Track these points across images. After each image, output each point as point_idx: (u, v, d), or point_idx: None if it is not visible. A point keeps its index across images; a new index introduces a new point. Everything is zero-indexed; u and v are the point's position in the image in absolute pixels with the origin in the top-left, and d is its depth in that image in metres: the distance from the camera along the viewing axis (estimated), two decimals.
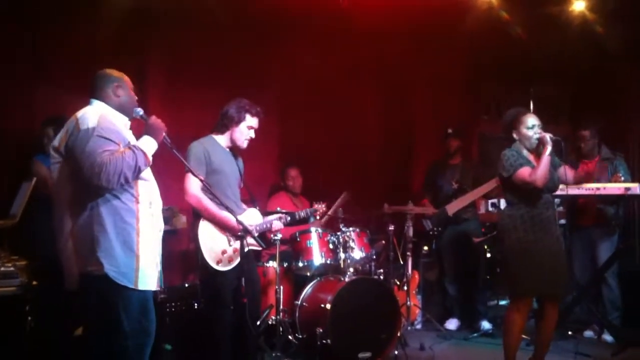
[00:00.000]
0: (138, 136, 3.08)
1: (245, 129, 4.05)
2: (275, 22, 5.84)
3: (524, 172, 3.96)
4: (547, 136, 3.97)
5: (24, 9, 4.89)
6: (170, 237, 5.02)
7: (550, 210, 4.06)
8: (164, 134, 3.07)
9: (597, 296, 5.48)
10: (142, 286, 2.91)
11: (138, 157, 2.88)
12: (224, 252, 3.88)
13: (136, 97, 3.16)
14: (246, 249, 3.85)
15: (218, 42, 5.81)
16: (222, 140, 4.10)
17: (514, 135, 4.13)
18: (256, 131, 4.12)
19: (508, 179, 4.04)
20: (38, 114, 4.94)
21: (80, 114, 2.91)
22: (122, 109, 3.06)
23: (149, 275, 2.96)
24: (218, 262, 3.84)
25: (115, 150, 2.84)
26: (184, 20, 5.53)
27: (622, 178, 5.13)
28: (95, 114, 2.89)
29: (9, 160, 4.80)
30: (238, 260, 3.86)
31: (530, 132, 4.06)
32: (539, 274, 3.96)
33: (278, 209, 4.62)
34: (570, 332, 5.38)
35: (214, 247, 3.87)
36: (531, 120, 4.08)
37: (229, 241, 3.92)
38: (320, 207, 4.82)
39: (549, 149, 3.93)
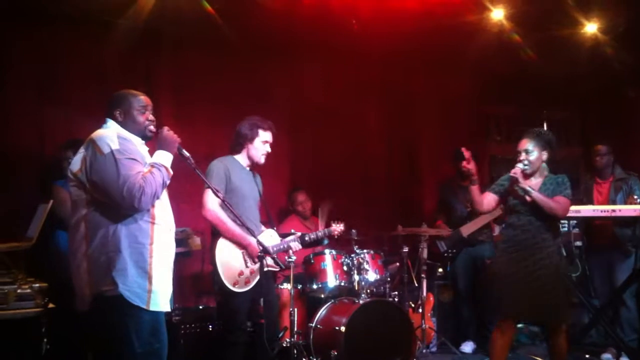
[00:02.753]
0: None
1: (261, 145, 4.08)
2: (284, 43, 5.90)
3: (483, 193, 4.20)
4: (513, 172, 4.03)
5: (33, 31, 4.98)
6: (184, 259, 5.03)
7: (529, 233, 3.99)
8: (177, 146, 3.05)
9: (614, 318, 5.41)
10: (153, 307, 2.90)
11: (163, 173, 2.91)
12: (240, 273, 3.88)
13: (149, 120, 3.07)
14: (265, 269, 3.86)
15: (226, 63, 5.89)
16: (242, 159, 4.13)
17: None
18: (270, 146, 4.14)
19: None
20: (47, 136, 5.01)
21: (96, 136, 2.89)
22: (129, 131, 3.02)
23: (161, 297, 2.94)
24: (234, 284, 3.83)
25: (142, 171, 2.86)
26: (192, 40, 5.61)
27: (638, 200, 5.10)
28: (113, 135, 2.88)
29: (22, 183, 4.85)
30: (255, 281, 3.86)
31: (519, 157, 4.08)
32: (517, 298, 3.93)
33: (292, 230, 4.61)
34: (587, 355, 5.32)
35: (231, 268, 3.86)
36: (520, 145, 4.08)
37: (246, 262, 3.92)
38: (338, 226, 4.82)
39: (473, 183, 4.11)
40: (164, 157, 2.99)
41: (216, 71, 5.87)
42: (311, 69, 6.23)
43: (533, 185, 4.03)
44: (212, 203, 3.88)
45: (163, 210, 3.03)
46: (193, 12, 4.92)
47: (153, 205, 2.94)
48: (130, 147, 2.90)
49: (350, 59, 6.25)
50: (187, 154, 3.11)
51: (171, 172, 2.99)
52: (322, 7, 5.05)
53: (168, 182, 2.97)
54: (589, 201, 5.52)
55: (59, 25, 5.05)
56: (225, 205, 3.64)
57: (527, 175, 4.06)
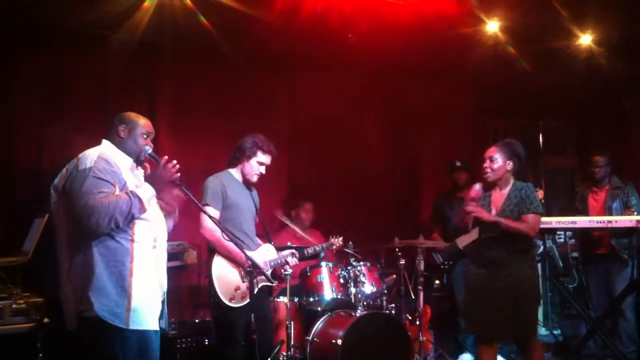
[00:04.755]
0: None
1: (256, 165, 4.09)
2: (282, 56, 5.93)
3: None
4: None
5: (34, 47, 5.00)
6: (180, 273, 5.04)
7: (494, 250, 3.97)
8: (175, 179, 2.99)
9: (612, 329, 5.40)
10: (134, 326, 2.85)
11: (133, 203, 2.83)
12: (237, 288, 3.88)
13: (145, 142, 3.07)
14: (260, 285, 3.86)
15: (225, 76, 5.91)
16: (237, 174, 4.15)
17: None
18: (266, 167, 4.16)
19: None
20: (47, 151, 5.02)
21: (82, 154, 2.93)
22: (125, 150, 3.03)
23: (143, 315, 2.90)
24: (231, 299, 3.84)
25: (110, 193, 2.81)
26: (192, 55, 5.65)
27: (635, 212, 5.11)
28: (95, 154, 2.90)
29: (20, 197, 4.85)
30: None
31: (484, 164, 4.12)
32: (490, 321, 3.95)
33: (289, 243, 4.61)
34: None
35: (227, 283, 3.87)
36: (486, 153, 4.10)
37: (242, 277, 3.92)
38: (337, 240, 4.82)
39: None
40: (147, 191, 2.93)
41: (215, 85, 5.90)
42: (309, 81, 6.25)
43: (497, 198, 4.02)
44: (209, 222, 3.88)
45: (148, 228, 2.98)
46: (191, 27, 4.94)
47: (134, 223, 2.89)
48: (106, 167, 2.87)
49: (348, 72, 6.27)
50: (178, 182, 3.04)
51: (146, 209, 2.89)
52: (320, 21, 5.07)
53: (138, 215, 2.86)
54: (584, 210, 5.53)
55: (62, 42, 5.07)
56: (216, 223, 3.61)
57: (491, 184, 4.06)
